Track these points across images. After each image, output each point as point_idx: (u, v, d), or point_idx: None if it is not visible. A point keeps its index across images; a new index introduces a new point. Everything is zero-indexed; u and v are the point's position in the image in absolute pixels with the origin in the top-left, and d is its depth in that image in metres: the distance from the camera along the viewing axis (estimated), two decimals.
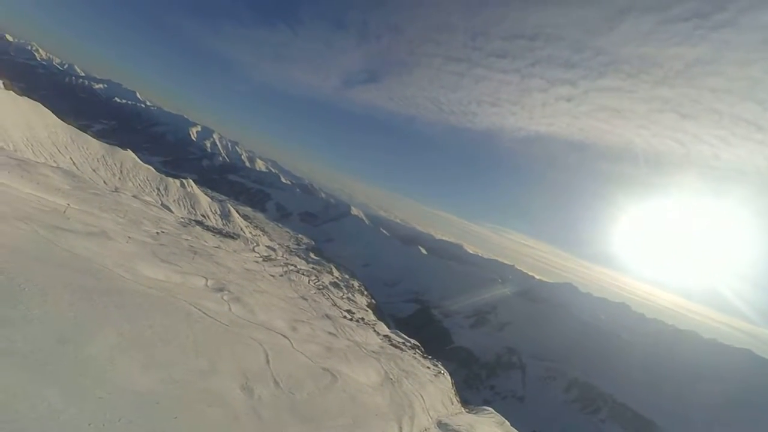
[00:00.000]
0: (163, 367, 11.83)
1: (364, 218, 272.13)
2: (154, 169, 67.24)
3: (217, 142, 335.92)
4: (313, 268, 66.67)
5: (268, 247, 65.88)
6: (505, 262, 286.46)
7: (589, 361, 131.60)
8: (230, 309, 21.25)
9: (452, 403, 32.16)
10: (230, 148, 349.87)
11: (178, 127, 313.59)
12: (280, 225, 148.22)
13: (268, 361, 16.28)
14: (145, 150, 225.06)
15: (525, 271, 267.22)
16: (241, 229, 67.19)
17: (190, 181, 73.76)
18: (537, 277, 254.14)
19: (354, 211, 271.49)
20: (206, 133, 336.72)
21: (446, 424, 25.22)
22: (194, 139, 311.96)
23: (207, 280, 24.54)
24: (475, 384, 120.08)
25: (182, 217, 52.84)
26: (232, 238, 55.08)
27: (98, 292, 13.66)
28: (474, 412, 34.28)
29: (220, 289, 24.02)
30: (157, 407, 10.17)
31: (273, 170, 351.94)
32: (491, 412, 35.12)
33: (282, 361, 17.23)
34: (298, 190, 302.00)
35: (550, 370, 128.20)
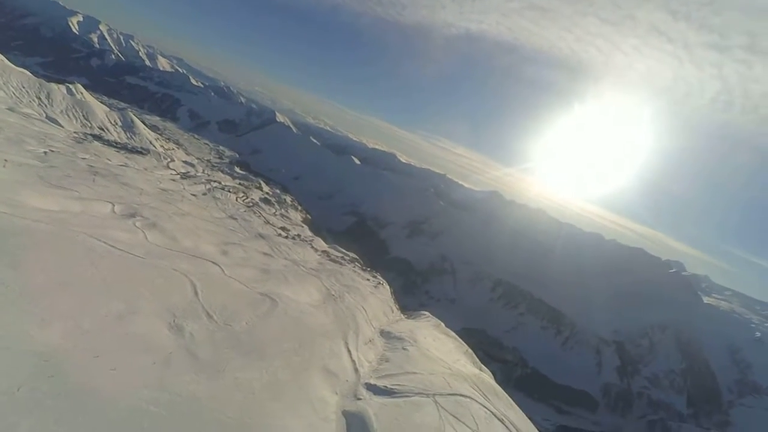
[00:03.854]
0: (66, 317, 9.92)
1: (291, 126, 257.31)
2: (31, 73, 55.54)
3: (106, 36, 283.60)
4: (240, 183, 62.68)
5: (185, 162, 60.17)
6: (437, 171, 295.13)
7: (511, 263, 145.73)
8: (146, 237, 18.77)
9: (392, 312, 33.41)
10: (124, 44, 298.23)
11: (53, 18, 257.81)
12: (196, 136, 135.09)
13: (197, 293, 14.76)
14: (16, 50, 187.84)
15: (455, 179, 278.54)
16: (151, 143, 60.04)
17: (79, 86, 62.63)
18: (466, 185, 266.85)
19: (279, 117, 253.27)
20: (90, 24, 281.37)
21: (389, 332, 26.12)
22: (76, 32, 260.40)
23: (114, 205, 21.38)
24: (411, 291, 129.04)
25: (75, 132, 45.42)
26: (141, 153, 49.00)
27: None
28: (413, 317, 36.14)
29: (132, 215, 21.12)
30: (66, 365, 8.51)
31: (180, 70, 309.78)
32: (428, 316, 37.28)
33: (213, 291, 15.78)
34: (213, 93, 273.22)
35: (477, 273, 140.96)
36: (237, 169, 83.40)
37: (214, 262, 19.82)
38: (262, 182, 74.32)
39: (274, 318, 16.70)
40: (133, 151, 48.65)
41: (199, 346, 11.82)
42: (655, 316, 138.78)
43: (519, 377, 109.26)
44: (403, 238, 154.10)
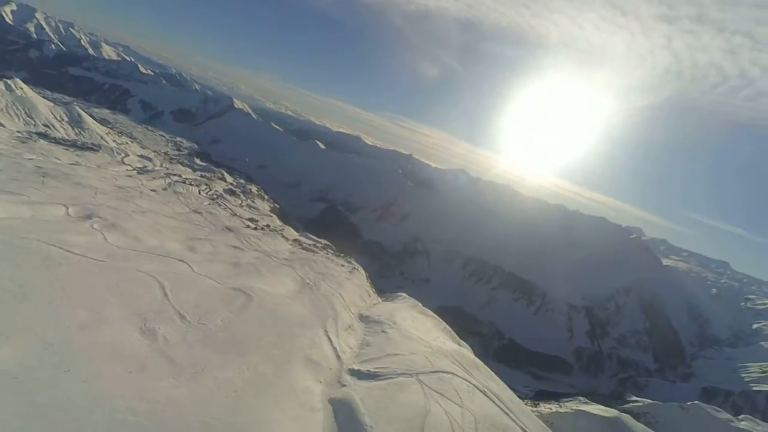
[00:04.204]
0: (27, 330, 9.32)
1: (251, 112, 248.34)
2: None
3: (44, 25, 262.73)
4: (201, 176, 60.46)
5: (141, 156, 57.44)
6: (404, 152, 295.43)
7: (481, 239, 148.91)
8: (105, 239, 17.83)
9: (369, 296, 33.53)
10: (64, 32, 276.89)
11: None
12: (150, 128, 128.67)
13: (166, 294, 14.20)
14: None
15: (422, 159, 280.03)
16: (102, 138, 56.86)
17: (18, 81, 58.25)
18: (433, 165, 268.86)
19: (238, 104, 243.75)
20: (26, 12, 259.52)
21: (367, 317, 26.20)
22: (11, 22, 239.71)
23: (68, 207, 20.18)
24: (386, 273, 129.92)
25: (18, 131, 42.40)
26: (93, 150, 46.28)
27: None
28: (390, 299, 36.40)
29: (88, 217, 20.00)
30: (33, 381, 8.02)
31: (127, 58, 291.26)
32: (405, 297, 37.64)
33: (184, 291, 15.25)
34: (164, 81, 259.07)
35: (449, 252, 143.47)
36: (197, 161, 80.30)
37: (181, 260, 19.11)
38: (225, 173, 71.98)
39: (249, 312, 16.35)
40: (84, 147, 45.88)
41: (175, 349, 11.42)
42: (620, 280, 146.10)
43: (496, 349, 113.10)
44: (373, 221, 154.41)
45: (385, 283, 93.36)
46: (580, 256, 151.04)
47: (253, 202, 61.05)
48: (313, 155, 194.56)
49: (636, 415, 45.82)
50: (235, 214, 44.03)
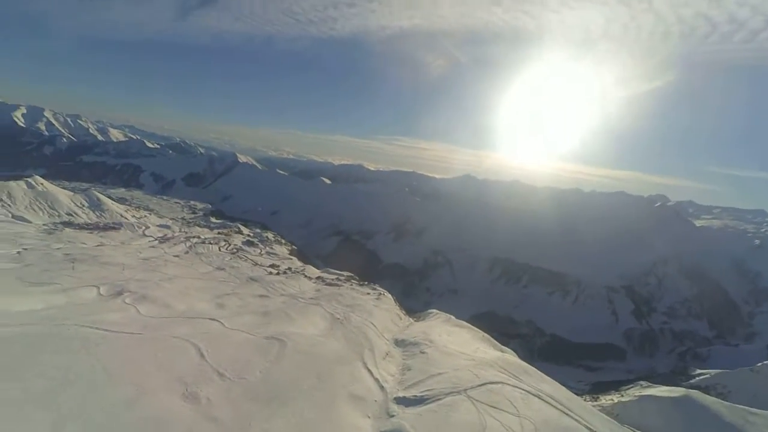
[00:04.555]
0: (76, 415, 9.50)
1: (255, 164, 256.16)
2: None
3: (53, 121, 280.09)
4: (219, 233, 61.82)
5: (160, 226, 59.09)
6: (406, 170, 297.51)
7: (501, 239, 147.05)
8: (138, 312, 18.28)
9: (400, 318, 33.25)
10: (72, 125, 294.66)
11: None
12: (164, 197, 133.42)
13: (202, 355, 14.36)
14: None
15: (426, 173, 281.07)
16: (122, 216, 58.80)
17: (38, 177, 61.24)
18: (438, 176, 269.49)
19: (242, 158, 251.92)
20: (35, 113, 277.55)
21: (403, 340, 25.94)
22: (23, 124, 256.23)
23: (98, 288, 20.79)
24: (413, 292, 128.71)
25: (44, 224, 44.25)
26: (115, 229, 47.95)
27: None
28: (421, 318, 36.03)
29: (119, 293, 20.56)
30: None
31: (133, 137, 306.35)
32: (436, 313, 37.23)
33: (219, 348, 15.40)
34: (170, 152, 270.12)
35: (471, 258, 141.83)
36: (213, 220, 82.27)
37: (212, 319, 19.37)
38: (240, 226, 73.51)
39: (286, 358, 16.36)
40: (106, 228, 47.52)
41: (219, 409, 11.47)
42: (654, 252, 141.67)
43: (540, 348, 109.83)
44: (390, 243, 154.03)
45: (413, 303, 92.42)
46: (607, 235, 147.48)
47: (271, 248, 61.79)
48: (320, 192, 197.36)
49: (705, 388, 43.67)
50: (256, 264, 44.61)
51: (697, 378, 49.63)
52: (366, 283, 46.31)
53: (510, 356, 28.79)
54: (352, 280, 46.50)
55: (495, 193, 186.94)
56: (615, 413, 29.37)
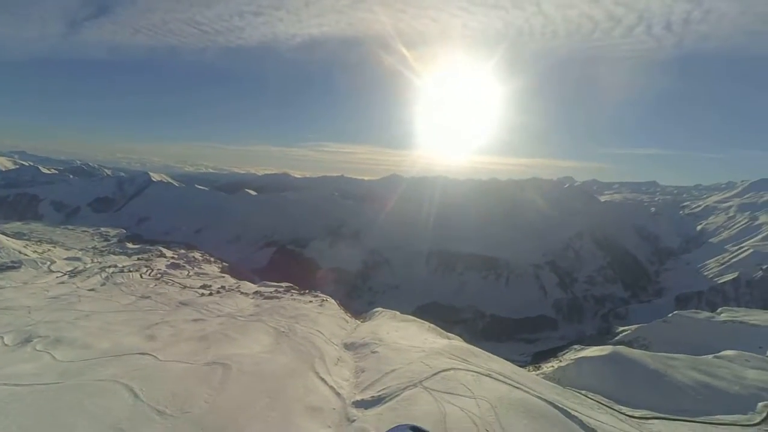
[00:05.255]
0: None
1: (171, 181, 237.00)
2: None
3: None
4: (138, 259, 56.95)
5: (68, 259, 53.21)
6: (334, 174, 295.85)
7: (433, 232, 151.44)
8: (54, 358, 16.09)
9: (347, 322, 32.78)
10: None
11: None
12: (69, 227, 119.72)
13: (137, 395, 12.91)
14: None
15: (354, 176, 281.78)
16: (20, 253, 51.81)
17: None
18: (366, 178, 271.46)
19: (155, 177, 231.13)
20: None
21: (352, 343, 25.53)
22: None
23: (2, 337, 18.04)
24: (356, 294, 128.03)
25: None
26: (14, 268, 42.23)
27: None
28: (368, 318, 35.81)
29: (27, 340, 17.99)
30: None
31: (26, 163, 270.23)
32: (381, 311, 37.24)
33: (155, 384, 13.95)
34: (71, 176, 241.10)
35: (408, 253, 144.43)
36: (130, 245, 75.41)
37: (143, 353, 17.54)
38: (162, 249, 68.11)
39: (232, 383, 15.21)
40: (3, 268, 41.55)
41: None
42: (569, 228, 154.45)
43: (482, 329, 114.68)
44: (327, 248, 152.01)
45: (357, 304, 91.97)
46: (526, 217, 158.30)
47: (200, 268, 58.08)
48: (246, 204, 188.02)
49: (629, 343, 48.30)
50: (185, 287, 41.50)
51: (621, 335, 54.83)
52: (307, 291, 45.14)
53: (457, 342, 29.56)
54: (292, 291, 45.07)
55: (422, 189, 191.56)
56: (556, 378, 31.36)
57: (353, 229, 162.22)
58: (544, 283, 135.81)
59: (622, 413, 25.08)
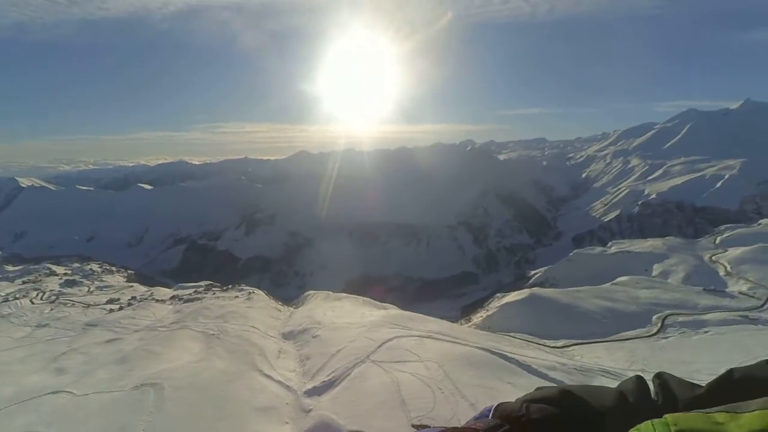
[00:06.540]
0: None
1: (46, 185, 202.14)
2: None
3: None
4: (24, 282, 49.47)
5: None
6: (237, 157, 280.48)
7: (351, 206, 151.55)
8: None
9: (280, 311, 31.87)
10: None
11: None
12: None
13: None
14: None
15: (260, 158, 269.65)
16: None
17: None
18: (273, 158, 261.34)
19: (25, 182, 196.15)
20: None
21: (291, 332, 24.90)
22: None
23: None
24: (284, 281, 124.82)
25: None
26: None
27: None
28: (301, 303, 35.18)
29: None
30: None
31: None
32: (314, 293, 36.86)
33: (79, 426, 12.29)
34: None
35: (330, 230, 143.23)
36: (9, 268, 64.55)
37: (56, 391, 15.24)
38: (51, 266, 59.50)
39: (169, 403, 13.88)
40: None
41: None
42: (475, 187, 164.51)
43: (414, 293, 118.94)
44: (243, 237, 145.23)
45: (287, 291, 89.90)
46: (436, 181, 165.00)
47: (102, 281, 52.38)
48: (142, 201, 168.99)
49: (541, 284, 53.75)
50: (89, 305, 37.05)
51: (533, 278, 60.70)
52: (230, 286, 42.76)
53: (393, 310, 30.27)
54: (214, 288, 42.44)
55: (332, 163, 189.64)
56: (486, 326, 33.94)
57: (268, 213, 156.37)
58: (461, 242, 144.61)
59: (546, 346, 27.97)
